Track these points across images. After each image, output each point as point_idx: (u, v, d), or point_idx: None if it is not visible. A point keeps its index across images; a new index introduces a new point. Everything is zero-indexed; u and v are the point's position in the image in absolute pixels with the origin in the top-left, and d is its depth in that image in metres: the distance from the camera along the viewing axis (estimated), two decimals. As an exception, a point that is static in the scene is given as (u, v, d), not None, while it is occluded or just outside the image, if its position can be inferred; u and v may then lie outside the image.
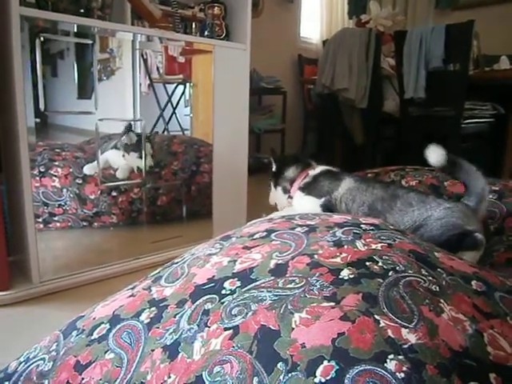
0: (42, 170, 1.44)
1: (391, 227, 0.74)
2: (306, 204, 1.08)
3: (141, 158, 1.60)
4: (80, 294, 1.31)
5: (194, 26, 1.55)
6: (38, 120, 1.30)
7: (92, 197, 1.53)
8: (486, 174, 1.10)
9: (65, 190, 1.48)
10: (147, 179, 1.59)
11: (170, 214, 1.73)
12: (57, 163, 1.48)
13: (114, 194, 1.58)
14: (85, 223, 1.56)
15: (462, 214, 0.87)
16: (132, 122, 1.55)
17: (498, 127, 2.54)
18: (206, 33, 1.55)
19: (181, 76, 1.66)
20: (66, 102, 1.40)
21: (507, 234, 0.93)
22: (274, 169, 1.21)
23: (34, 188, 1.33)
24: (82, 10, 1.30)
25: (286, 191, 1.16)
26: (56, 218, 1.49)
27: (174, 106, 1.71)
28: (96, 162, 1.49)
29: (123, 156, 1.58)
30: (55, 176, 1.46)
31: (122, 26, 1.34)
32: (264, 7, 3.45)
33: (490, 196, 1.06)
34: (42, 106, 1.25)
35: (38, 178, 1.41)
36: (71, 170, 1.50)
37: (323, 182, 1.08)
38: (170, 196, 1.72)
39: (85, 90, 1.42)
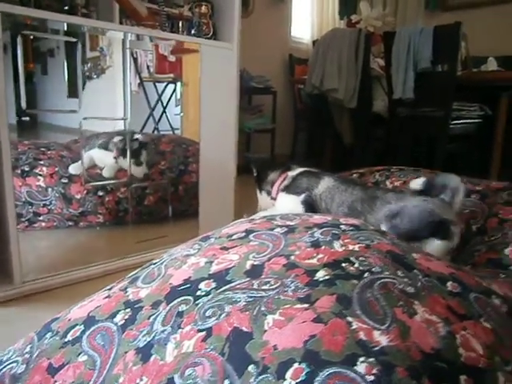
0: (27, 169, 1.42)
1: (371, 228, 0.74)
2: (287, 203, 1.09)
3: (137, 165, 1.60)
4: (64, 294, 1.30)
5: (180, 24, 1.54)
6: (26, 118, 1.28)
7: (78, 196, 1.51)
8: (472, 174, 1.11)
9: (50, 190, 1.46)
10: (133, 178, 1.58)
11: (156, 213, 1.72)
12: (42, 162, 1.46)
13: (100, 193, 1.56)
14: (70, 223, 1.55)
15: (438, 204, 0.89)
16: (125, 127, 1.54)
17: (485, 128, 2.56)
18: (192, 31, 1.55)
19: (171, 75, 1.65)
20: (56, 101, 1.38)
21: (489, 235, 0.93)
22: (255, 174, 1.23)
23: (18, 187, 1.31)
24: (66, 7, 1.28)
25: (269, 194, 1.17)
26: (41, 218, 1.48)
27: (165, 105, 1.71)
28: (81, 161, 1.47)
29: (115, 158, 1.56)
30: (40, 175, 1.44)
31: (105, 23, 1.32)
32: (254, 7, 3.44)
33: (473, 196, 1.06)
34: (24, 105, 1.23)
35: (22, 178, 1.40)
36: (57, 169, 1.48)
37: (302, 179, 1.11)
38: (157, 196, 1.71)
39: (75, 88, 1.40)
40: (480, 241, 0.93)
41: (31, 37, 1.23)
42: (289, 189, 1.11)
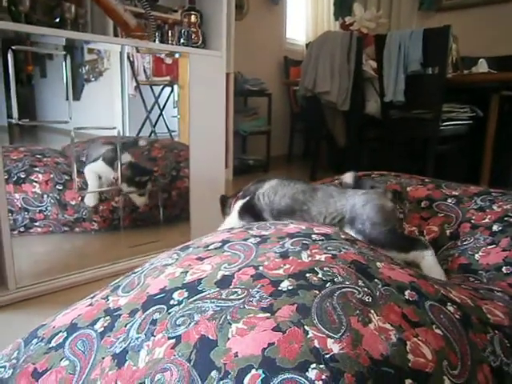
0: (23, 176, 1.46)
1: (343, 237, 0.77)
2: (235, 209, 1.13)
3: (140, 195, 1.66)
4: (58, 299, 1.32)
5: (170, 34, 1.58)
6: (20, 122, 1.30)
7: (73, 203, 1.55)
8: (463, 175, 1.15)
9: (45, 196, 1.49)
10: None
11: (150, 219, 1.76)
12: (37, 169, 1.50)
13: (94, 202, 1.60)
14: (66, 228, 1.58)
15: (378, 194, 0.99)
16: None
17: (476, 129, 2.59)
18: (182, 40, 1.58)
19: (168, 77, 1.67)
20: (55, 103, 1.41)
21: (461, 239, 0.96)
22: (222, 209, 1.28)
23: (14, 194, 1.34)
24: (56, 20, 1.32)
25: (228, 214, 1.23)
26: (37, 224, 1.51)
27: (161, 107, 1.73)
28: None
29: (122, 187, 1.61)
30: (36, 182, 1.47)
31: (93, 36, 1.36)
32: (249, 9, 3.48)
33: (449, 200, 1.09)
34: (15, 116, 1.27)
35: (18, 185, 1.43)
36: (52, 175, 1.52)
37: (251, 185, 1.16)
38: (151, 202, 1.74)
39: (73, 91, 1.42)
40: (453, 245, 0.97)
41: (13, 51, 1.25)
42: (239, 197, 1.16)
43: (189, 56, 1.54)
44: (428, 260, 0.88)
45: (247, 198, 1.12)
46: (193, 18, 1.59)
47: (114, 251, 1.59)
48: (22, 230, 1.49)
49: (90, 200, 1.59)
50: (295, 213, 1.02)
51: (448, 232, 1.01)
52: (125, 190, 1.63)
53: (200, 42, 1.59)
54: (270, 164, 3.56)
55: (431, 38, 2.32)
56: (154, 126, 1.75)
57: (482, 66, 2.64)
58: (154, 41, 1.54)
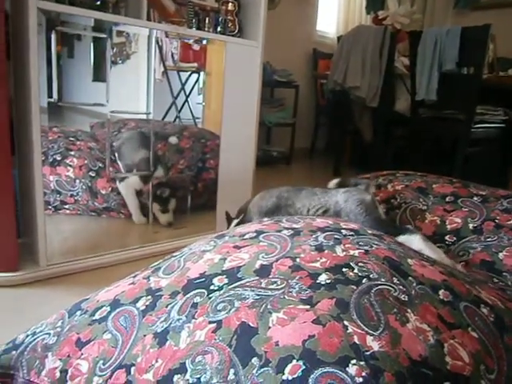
0: (58, 159, 1.46)
1: (369, 232, 0.78)
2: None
3: (163, 212, 1.69)
4: (84, 279, 1.36)
5: (207, 21, 1.58)
6: (51, 100, 1.32)
7: (103, 192, 1.55)
8: (491, 178, 1.13)
9: (78, 181, 1.50)
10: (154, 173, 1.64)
11: (176, 207, 1.77)
12: (72, 153, 1.49)
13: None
14: (93, 213, 1.60)
15: (358, 191, 1.05)
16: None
17: (508, 133, 2.53)
18: (218, 28, 1.59)
19: (195, 64, 1.67)
20: (80, 84, 1.41)
21: (485, 235, 0.96)
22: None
23: (48, 175, 1.36)
24: (98, 3, 1.34)
25: None
26: (67, 207, 1.53)
27: (187, 94, 1.74)
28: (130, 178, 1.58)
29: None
30: (70, 166, 1.48)
31: (135, 20, 1.38)
32: (281, -1, 3.45)
33: (475, 198, 1.08)
34: (55, 96, 1.29)
35: (53, 167, 1.43)
36: (86, 161, 1.51)
37: (242, 205, 1.24)
38: (177, 195, 1.75)
39: (99, 72, 1.43)
40: (475, 239, 0.96)
41: (57, 31, 1.27)
42: (234, 216, 1.24)
43: (225, 45, 1.54)
44: (418, 243, 0.87)
45: (241, 217, 1.18)
46: (230, 6, 1.59)
47: (140, 236, 1.62)
48: (52, 211, 1.52)
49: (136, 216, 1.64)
50: (280, 209, 1.07)
51: (471, 226, 1.00)
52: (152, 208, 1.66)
53: (236, 30, 1.60)
54: (292, 157, 3.55)
55: (469, 37, 2.26)
56: (179, 112, 1.75)
57: (519, 69, 2.57)
58: (191, 27, 1.55)
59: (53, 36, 1.24)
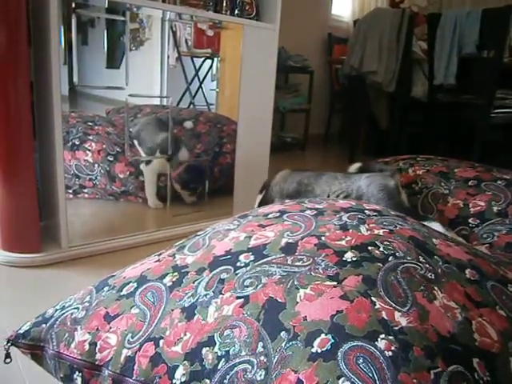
0: (77, 143, 1.46)
1: (392, 213, 0.78)
2: (256, 203, 1.21)
3: (190, 195, 1.72)
4: (104, 261, 1.39)
5: (224, 3, 1.57)
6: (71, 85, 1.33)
7: (121, 176, 1.56)
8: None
9: (96, 165, 1.51)
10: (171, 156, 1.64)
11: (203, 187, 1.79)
12: (91, 137, 1.50)
13: (141, 178, 1.62)
14: (111, 197, 1.62)
15: (381, 176, 1.04)
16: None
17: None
18: (236, 11, 1.57)
19: (209, 50, 1.66)
20: (94, 71, 1.42)
21: (510, 218, 0.95)
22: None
23: (68, 160, 1.38)
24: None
25: None
26: (85, 190, 1.55)
27: (201, 80, 1.74)
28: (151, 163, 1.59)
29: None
30: (89, 150, 1.49)
31: (151, 2, 1.37)
32: (296, -18, 3.39)
33: (499, 182, 1.07)
34: (75, 80, 1.30)
35: (72, 151, 1.45)
36: (104, 146, 1.52)
37: (266, 180, 1.25)
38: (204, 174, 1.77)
39: (114, 59, 1.44)
40: (501, 222, 0.95)
41: (77, 15, 1.27)
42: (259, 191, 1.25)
43: (243, 28, 1.53)
44: (439, 230, 0.87)
45: (264, 192, 1.19)
46: (247, -11, 1.57)
47: (158, 219, 1.64)
48: (71, 195, 1.54)
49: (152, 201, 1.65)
50: (300, 194, 1.08)
51: (495, 209, 0.99)
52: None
53: (254, 13, 1.58)
54: (306, 143, 3.53)
55: (490, 19, 2.20)
56: (193, 98, 1.75)
57: (542, 52, 2.50)
58: (208, 10, 1.54)
59: (73, 20, 1.25)
